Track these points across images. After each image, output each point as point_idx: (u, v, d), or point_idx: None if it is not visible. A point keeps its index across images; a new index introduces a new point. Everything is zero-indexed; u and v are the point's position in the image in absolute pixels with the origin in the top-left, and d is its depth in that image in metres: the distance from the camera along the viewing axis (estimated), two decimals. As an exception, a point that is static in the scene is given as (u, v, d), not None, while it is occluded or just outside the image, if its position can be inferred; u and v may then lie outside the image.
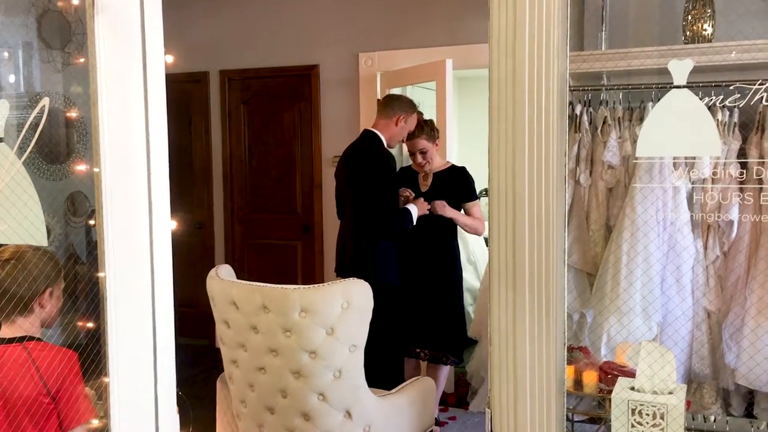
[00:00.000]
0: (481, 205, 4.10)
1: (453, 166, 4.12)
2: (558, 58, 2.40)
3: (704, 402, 3.74)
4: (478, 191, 7.11)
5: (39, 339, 2.17)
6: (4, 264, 2.10)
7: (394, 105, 3.92)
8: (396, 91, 5.06)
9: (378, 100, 4.07)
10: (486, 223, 4.65)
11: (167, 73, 2.07)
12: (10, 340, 2.13)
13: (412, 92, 5.77)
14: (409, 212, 3.77)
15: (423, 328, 4.00)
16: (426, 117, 4.96)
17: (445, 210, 3.90)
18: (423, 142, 3.99)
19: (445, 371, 4.14)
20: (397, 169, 4.02)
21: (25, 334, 2.15)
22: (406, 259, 3.90)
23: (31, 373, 2.08)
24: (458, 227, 4.07)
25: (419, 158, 4.01)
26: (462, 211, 4.02)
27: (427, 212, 3.86)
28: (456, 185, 4.02)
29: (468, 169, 4.10)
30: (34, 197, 1.96)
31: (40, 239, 2.02)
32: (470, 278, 5.85)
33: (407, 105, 3.95)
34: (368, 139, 3.87)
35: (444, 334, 4.00)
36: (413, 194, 3.94)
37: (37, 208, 1.96)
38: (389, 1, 5.19)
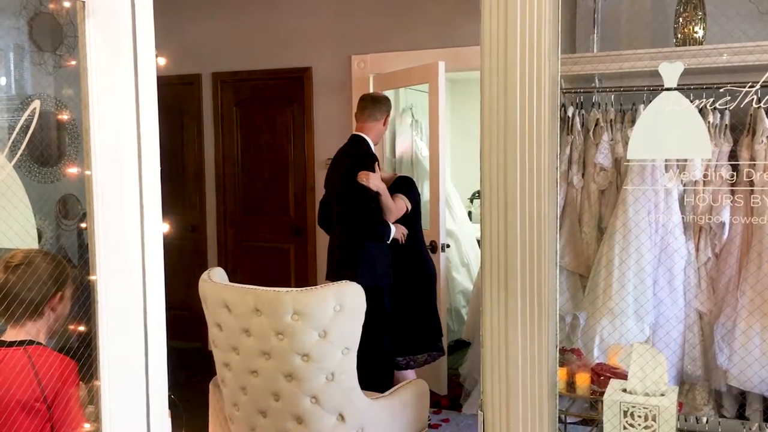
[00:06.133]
0: (406, 203, 4.01)
1: (400, 176, 4.24)
2: (549, 60, 2.40)
3: (696, 403, 3.75)
4: (470, 193, 7.20)
5: (40, 344, 2.17)
6: (15, 269, 2.10)
7: (382, 106, 3.98)
8: (389, 93, 5.06)
9: (360, 102, 4.06)
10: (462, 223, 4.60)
11: (159, 76, 2.07)
12: (12, 344, 2.13)
13: (404, 94, 5.79)
14: (390, 228, 3.83)
15: (404, 335, 4.06)
16: (419, 118, 4.98)
17: (370, 179, 3.77)
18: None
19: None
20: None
21: (29, 338, 2.15)
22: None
23: (29, 377, 2.07)
24: (420, 234, 4.18)
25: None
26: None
27: (401, 238, 3.93)
28: (399, 186, 4.08)
29: (413, 179, 4.25)
30: (24, 200, 1.95)
31: (31, 242, 2.01)
32: (463, 280, 5.86)
33: (390, 103, 4.06)
34: (357, 143, 3.92)
35: (422, 335, 4.07)
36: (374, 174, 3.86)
37: (27, 211, 1.95)
38: (382, 3, 5.19)
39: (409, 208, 4.02)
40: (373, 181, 3.74)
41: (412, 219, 4.06)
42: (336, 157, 4.04)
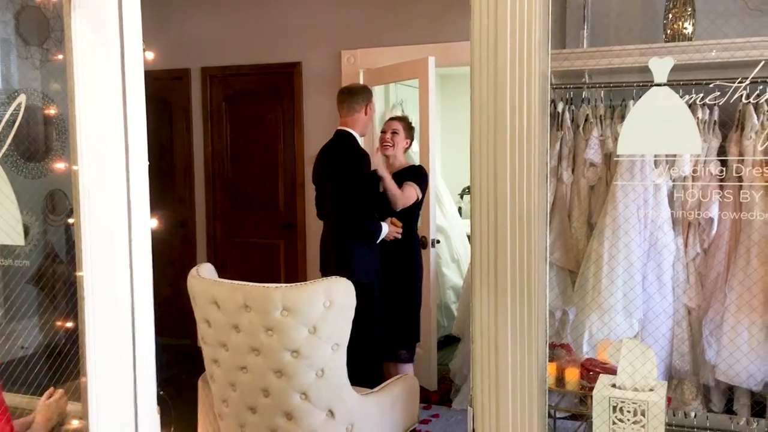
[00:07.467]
0: (416, 191, 4.03)
1: (412, 165, 4.23)
2: (540, 55, 2.40)
3: (685, 398, 3.77)
4: (460, 189, 7.20)
5: None
6: None
7: (359, 97, 3.90)
8: (379, 88, 5.04)
9: (338, 96, 4.00)
10: (454, 216, 4.54)
11: (148, 70, 2.05)
12: None
13: (395, 90, 5.77)
14: (380, 228, 3.81)
15: (401, 328, 4.05)
16: (408, 114, 4.96)
17: (378, 166, 3.86)
18: (397, 124, 4.10)
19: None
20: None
21: None
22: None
23: None
24: (416, 225, 4.20)
25: (388, 136, 4.07)
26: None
27: (397, 236, 3.92)
28: (408, 174, 4.08)
29: (425, 169, 4.24)
30: (9, 196, 1.93)
31: (16, 238, 1.99)
32: (453, 276, 5.86)
33: (369, 91, 4.00)
34: (343, 140, 3.86)
35: (400, 329, 4.07)
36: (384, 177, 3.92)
37: (12, 207, 1.93)
38: (372, -2, 5.18)
39: (420, 196, 4.01)
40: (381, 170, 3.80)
41: (412, 211, 4.05)
42: (322, 154, 3.98)
